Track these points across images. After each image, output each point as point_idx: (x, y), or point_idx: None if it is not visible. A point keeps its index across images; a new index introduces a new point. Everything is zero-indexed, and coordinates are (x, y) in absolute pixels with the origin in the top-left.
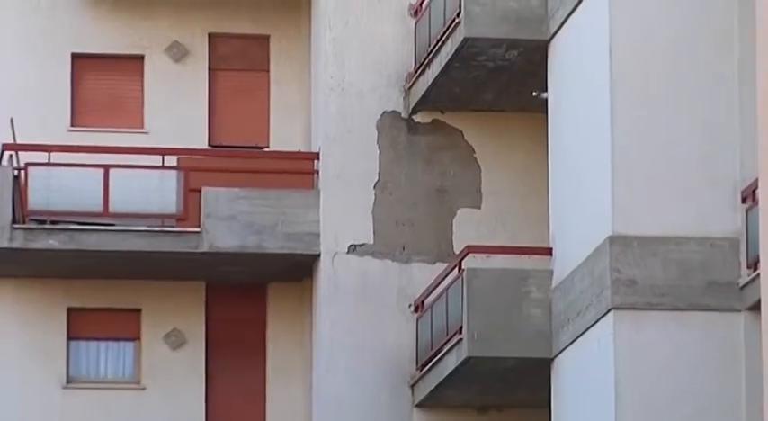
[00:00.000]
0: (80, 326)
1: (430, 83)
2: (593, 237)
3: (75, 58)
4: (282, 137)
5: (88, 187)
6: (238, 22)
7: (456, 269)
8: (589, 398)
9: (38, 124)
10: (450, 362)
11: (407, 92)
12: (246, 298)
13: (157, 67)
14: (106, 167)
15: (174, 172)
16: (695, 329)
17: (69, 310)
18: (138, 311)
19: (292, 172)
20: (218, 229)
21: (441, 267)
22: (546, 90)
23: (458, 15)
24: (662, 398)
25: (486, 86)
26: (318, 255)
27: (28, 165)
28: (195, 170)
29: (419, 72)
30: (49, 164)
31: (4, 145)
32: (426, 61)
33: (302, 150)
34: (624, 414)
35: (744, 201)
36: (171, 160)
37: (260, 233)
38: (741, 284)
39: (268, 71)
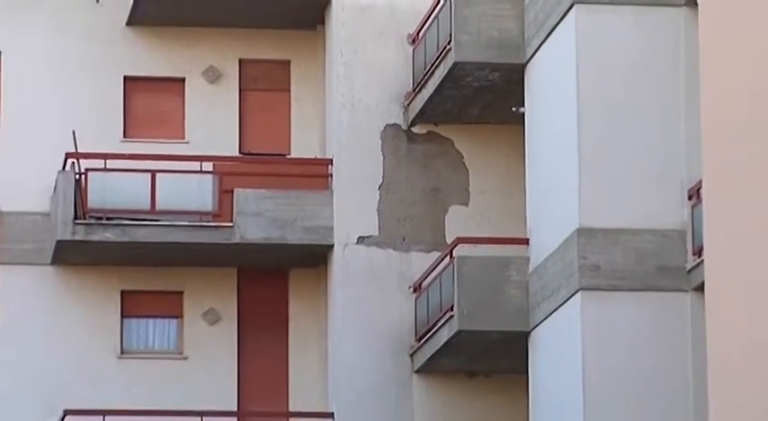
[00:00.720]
0: (131, 305)
1: (425, 100)
2: (564, 230)
3: (127, 80)
4: (301, 146)
5: (138, 189)
6: (264, 50)
7: (448, 257)
8: (561, 365)
9: (95, 136)
10: (444, 335)
11: (406, 107)
12: (271, 281)
13: (196, 87)
14: (153, 172)
15: (210, 176)
16: (650, 307)
17: (122, 293)
18: (181, 293)
19: (310, 175)
20: (247, 224)
21: (435, 255)
22: (523, 105)
23: (449, 43)
24: (622, 365)
25: (473, 103)
26: (332, 246)
27: (87, 170)
28: (228, 174)
29: (416, 91)
30: (105, 169)
31: (67, 153)
32: (422, 82)
33: (318, 157)
34: (590, 378)
35: (690, 198)
36: (207, 166)
37: (282, 227)
38: (688, 268)
39: (289, 91)
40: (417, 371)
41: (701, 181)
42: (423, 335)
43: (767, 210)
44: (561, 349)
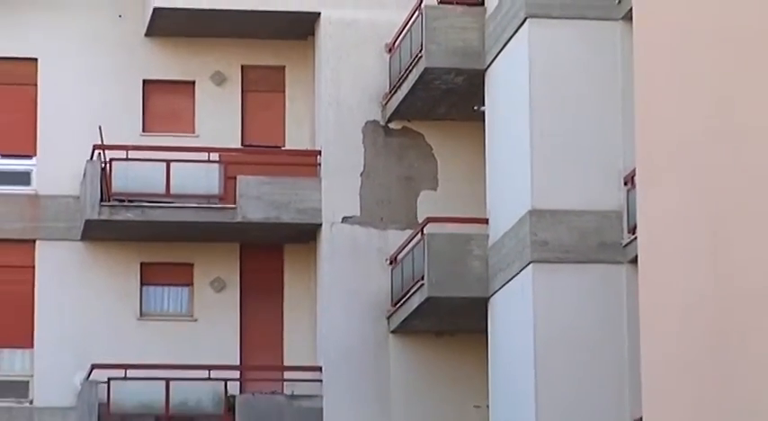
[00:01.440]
0: (149, 275)
1: (400, 100)
2: (518, 211)
3: (146, 82)
4: (294, 139)
5: (155, 175)
6: (263, 57)
7: (419, 234)
8: (515, 326)
9: (119, 130)
10: (416, 301)
11: (384, 106)
12: (269, 255)
13: (204, 89)
14: (168, 161)
15: (216, 164)
16: (591, 277)
17: (141, 264)
18: (191, 265)
19: (301, 164)
20: (248, 206)
21: (408, 233)
22: (483, 105)
23: (420, 51)
24: (567, 326)
25: (441, 102)
26: (320, 225)
27: (111, 160)
28: (232, 163)
29: (392, 92)
30: (126, 159)
31: (94, 145)
32: (397, 84)
33: (308, 149)
34: (540, 338)
35: (625, 184)
36: (214, 156)
37: (278, 208)
38: (624, 244)
39: (284, 92)
40: (393, 332)
41: (634, 169)
42: (397, 301)
43: (688, 194)
44: (515, 313)
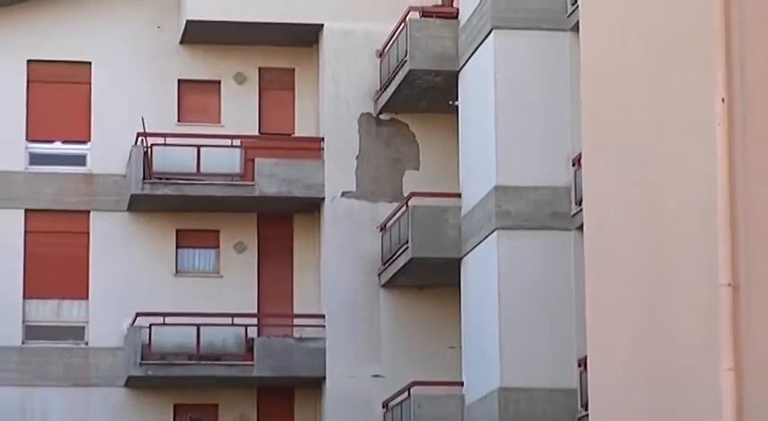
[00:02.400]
0: (183, 239)
1: (389, 96)
2: (485, 187)
3: (180, 81)
4: (302, 128)
5: (187, 158)
6: (277, 61)
7: (405, 206)
8: (482, 282)
9: (158, 121)
10: (402, 261)
11: (375, 101)
12: (281, 223)
13: (228, 87)
14: (198, 146)
15: (238, 149)
16: (545, 241)
17: (177, 231)
18: (218, 231)
19: (308, 149)
20: (264, 183)
21: (395, 205)
22: (457, 100)
23: (405, 56)
24: (525, 283)
25: (422, 98)
26: (323, 198)
27: (152, 145)
28: (251, 148)
29: (382, 90)
30: (164, 144)
31: (138, 133)
32: (387, 83)
33: (313, 136)
34: (503, 292)
35: (573, 165)
36: (236, 142)
37: (289, 185)
38: (572, 214)
39: (294, 90)
40: (383, 286)
41: (580, 153)
42: (386, 261)
43: (623, 171)
44: (483, 270)
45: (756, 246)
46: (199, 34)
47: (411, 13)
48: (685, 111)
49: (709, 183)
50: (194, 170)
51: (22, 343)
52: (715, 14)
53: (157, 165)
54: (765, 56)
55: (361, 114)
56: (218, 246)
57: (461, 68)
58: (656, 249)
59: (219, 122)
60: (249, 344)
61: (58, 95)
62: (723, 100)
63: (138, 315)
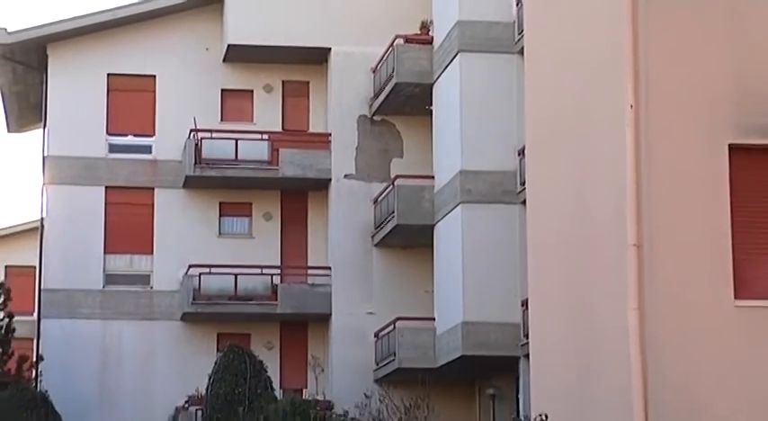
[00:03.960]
0: (225, 210)
1: (380, 102)
2: (453, 171)
3: (223, 90)
4: (315, 125)
5: (228, 148)
6: (295, 75)
7: (392, 185)
8: (450, 242)
9: (206, 120)
10: (389, 227)
11: (370, 107)
12: (299, 198)
13: (259, 95)
14: (236, 140)
15: (266, 142)
16: (497, 212)
17: (220, 204)
18: (250, 204)
19: (319, 141)
20: (287, 167)
21: (385, 184)
22: (432, 105)
23: (393, 72)
24: (482, 245)
25: (406, 104)
26: (330, 179)
27: (202, 138)
28: (276, 141)
29: (375, 97)
30: (211, 138)
31: (191, 129)
32: (379, 92)
33: (323, 132)
34: (466, 251)
35: (519, 154)
36: (265, 136)
37: (304, 169)
38: (517, 192)
39: (308, 97)
40: (375, 246)
41: (524, 147)
42: (378, 226)
43: (556, 161)
44: (450, 235)
45: (655, 216)
46: (237, 55)
47: (397, 39)
48: (603, 114)
49: (621, 168)
50: (233, 157)
51: (103, 287)
52: (626, 44)
53: (205, 154)
54: (661, 75)
55: (359, 116)
56: (250, 215)
57: (435, 82)
58: (580, 218)
59: (252, 121)
60: (274, 289)
61: (131, 100)
62: (631, 106)
63: (190, 266)
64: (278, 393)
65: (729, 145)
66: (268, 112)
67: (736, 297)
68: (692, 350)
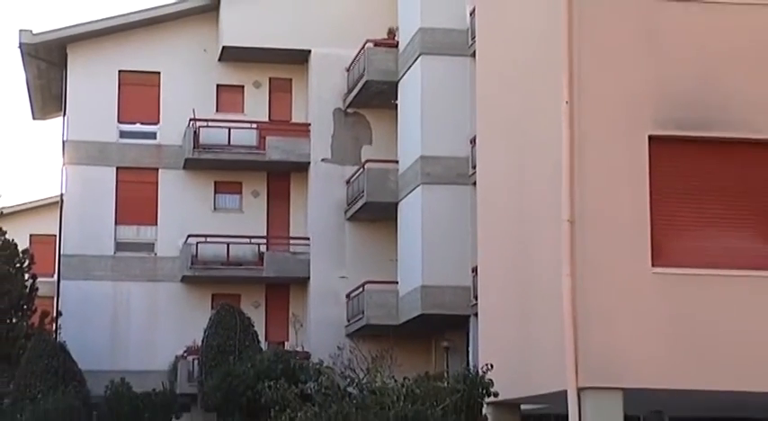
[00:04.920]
0: (219, 187)
1: (353, 97)
2: (414, 156)
3: (218, 86)
4: (297, 116)
5: (222, 135)
6: (280, 73)
7: (362, 168)
8: (411, 217)
9: (203, 111)
10: (360, 204)
11: (344, 101)
12: (282, 178)
13: (249, 90)
14: (229, 128)
15: (255, 130)
16: (452, 192)
17: (215, 182)
18: (240, 183)
19: (301, 130)
20: (272, 152)
21: (356, 167)
22: (397, 100)
23: (364, 71)
24: (438, 218)
25: (374, 98)
26: (309, 163)
27: (199, 126)
28: (263, 129)
29: (349, 93)
30: (207, 126)
31: (190, 119)
32: (352, 89)
33: (304, 122)
34: (424, 223)
35: (471, 143)
36: (254, 125)
37: (288, 153)
38: (469, 174)
39: (291, 92)
40: (347, 220)
41: (475, 136)
42: (350, 202)
43: (500, 147)
44: (412, 211)
45: (586, 195)
46: (231, 55)
47: (368, 43)
48: (543, 108)
49: (557, 155)
50: (226, 143)
51: (114, 253)
52: (563, 50)
53: (202, 140)
54: (592, 77)
55: (335, 109)
56: (241, 193)
57: (400, 80)
58: (522, 197)
59: (243, 112)
60: (260, 256)
61: (138, 93)
62: (567, 102)
63: (189, 236)
64: (263, 345)
65: (649, 136)
66: (256, 105)
67: (653, 265)
68: (615, 309)
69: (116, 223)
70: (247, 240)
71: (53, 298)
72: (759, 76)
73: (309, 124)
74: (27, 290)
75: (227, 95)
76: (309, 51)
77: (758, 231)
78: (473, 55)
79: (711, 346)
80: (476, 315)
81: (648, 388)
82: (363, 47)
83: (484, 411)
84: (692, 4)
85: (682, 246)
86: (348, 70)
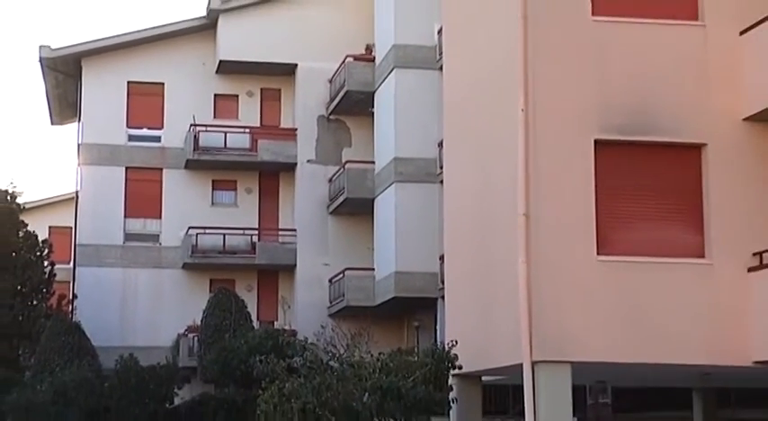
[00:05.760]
0: (216, 185)
1: (334, 105)
2: (389, 157)
3: (216, 95)
4: (285, 122)
5: (219, 139)
6: (271, 84)
7: (343, 168)
8: (386, 212)
9: (202, 117)
10: (341, 199)
11: (327, 109)
12: (272, 177)
13: (243, 99)
14: (225, 132)
15: (248, 134)
16: (422, 189)
17: (213, 180)
18: (236, 181)
19: (288, 135)
20: (264, 154)
21: (338, 167)
22: (373, 107)
23: (344, 82)
24: (409, 213)
25: (354, 107)
26: (296, 163)
27: (199, 131)
28: (256, 134)
29: (331, 102)
30: (206, 131)
31: (191, 124)
32: (333, 98)
33: (292, 127)
34: (397, 217)
35: (439, 146)
36: (247, 130)
37: (277, 155)
38: (437, 173)
39: (280, 101)
40: (330, 214)
41: (442, 140)
42: (332, 198)
43: (463, 151)
44: (387, 206)
45: (540, 192)
46: (227, 68)
47: (348, 58)
48: (502, 115)
49: (514, 156)
50: (222, 146)
51: (123, 243)
52: (519, 64)
53: (201, 143)
54: (545, 88)
55: (319, 116)
56: (235, 190)
57: (376, 90)
58: (483, 194)
59: (238, 118)
60: (253, 246)
61: (145, 101)
62: (523, 110)
63: (189, 228)
64: (255, 324)
65: (594, 140)
66: (249, 112)
67: (598, 254)
68: (565, 292)
69: (125, 216)
70: (241, 232)
71: (69, 282)
72: (685, 88)
73: (296, 129)
74: (46, 275)
75: (224, 103)
76: (296, 65)
77: (685, 224)
78: (440, 68)
79: (647, 325)
80: (443, 297)
81: (593, 361)
82: (344, 61)
83: (449, 382)
84: (631, 26)
85: (623, 237)
86: (330, 82)
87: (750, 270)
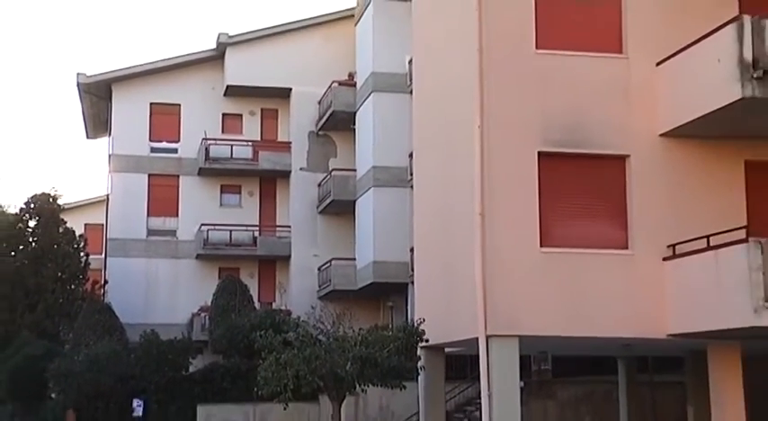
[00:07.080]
0: (224, 189)
1: (323, 123)
2: (368, 166)
3: (224, 114)
4: (281, 138)
5: (226, 151)
6: (269, 105)
7: (329, 175)
8: (366, 212)
9: (212, 132)
10: (328, 201)
11: (317, 126)
12: (271, 182)
13: (246, 117)
14: (231, 145)
15: (250, 147)
16: (396, 193)
17: (221, 185)
18: (240, 185)
19: (284, 148)
20: (263, 163)
21: (325, 174)
22: (355, 125)
23: (331, 104)
24: (385, 212)
25: (339, 124)
26: (291, 171)
27: (210, 145)
28: (257, 147)
29: (320, 119)
30: (215, 144)
31: (202, 138)
32: (322, 117)
33: (287, 141)
34: (375, 215)
35: (409, 156)
36: (249, 143)
37: (275, 163)
38: (408, 179)
39: (277, 119)
40: (319, 213)
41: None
42: (321, 200)
43: (432, 160)
44: (366, 207)
45: (493, 195)
46: (233, 91)
47: (333, 83)
48: (461, 130)
49: (472, 163)
50: (229, 156)
51: (146, 237)
52: (475, 89)
53: (212, 154)
54: (497, 108)
55: (309, 131)
56: (240, 193)
57: (357, 111)
58: (445, 197)
59: (242, 133)
60: (255, 240)
61: (164, 119)
62: (479, 126)
63: (201, 224)
64: (257, 305)
65: (538, 151)
66: (252, 128)
67: (540, 246)
68: (514, 278)
69: (148, 215)
70: (245, 228)
71: (101, 270)
72: (612, 109)
73: (291, 142)
74: (82, 265)
75: (230, 121)
76: (291, 89)
77: (612, 221)
78: (410, 92)
79: (581, 304)
80: (412, 283)
81: (537, 335)
82: (330, 86)
83: (418, 353)
84: (568, 57)
85: (561, 232)
86: (319, 103)
87: (665, 259)
